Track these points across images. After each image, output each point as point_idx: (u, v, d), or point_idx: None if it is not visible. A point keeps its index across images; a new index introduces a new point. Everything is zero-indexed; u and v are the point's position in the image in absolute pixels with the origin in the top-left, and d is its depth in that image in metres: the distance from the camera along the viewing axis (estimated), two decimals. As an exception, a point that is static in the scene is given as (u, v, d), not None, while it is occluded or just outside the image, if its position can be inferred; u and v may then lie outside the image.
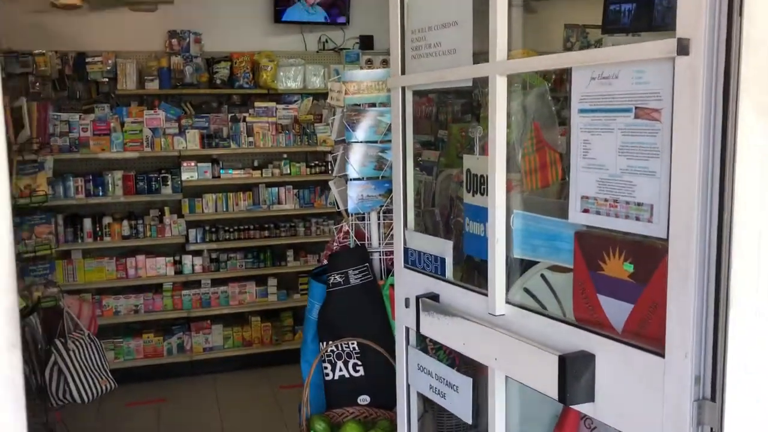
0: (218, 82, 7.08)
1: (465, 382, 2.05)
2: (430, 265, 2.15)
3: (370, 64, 8.05)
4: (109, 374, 3.82)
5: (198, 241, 5.74)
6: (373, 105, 3.03)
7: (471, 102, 2.60)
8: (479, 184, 1.97)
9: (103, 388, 3.72)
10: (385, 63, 7.85)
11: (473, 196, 2.01)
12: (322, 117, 6.23)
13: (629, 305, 1.49)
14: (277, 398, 5.13)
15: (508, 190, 1.81)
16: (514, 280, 1.88)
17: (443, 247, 2.10)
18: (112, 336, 5.58)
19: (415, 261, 2.23)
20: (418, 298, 2.13)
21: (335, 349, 2.91)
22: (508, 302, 1.83)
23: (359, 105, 3.04)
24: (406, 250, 2.28)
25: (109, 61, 5.95)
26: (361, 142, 3.00)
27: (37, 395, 3.60)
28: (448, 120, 3.09)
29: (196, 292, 5.75)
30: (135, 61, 6.00)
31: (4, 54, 5.87)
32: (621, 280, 1.50)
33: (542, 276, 1.89)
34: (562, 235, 1.66)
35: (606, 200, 1.50)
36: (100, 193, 5.52)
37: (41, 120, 3.78)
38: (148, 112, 5.71)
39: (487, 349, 1.84)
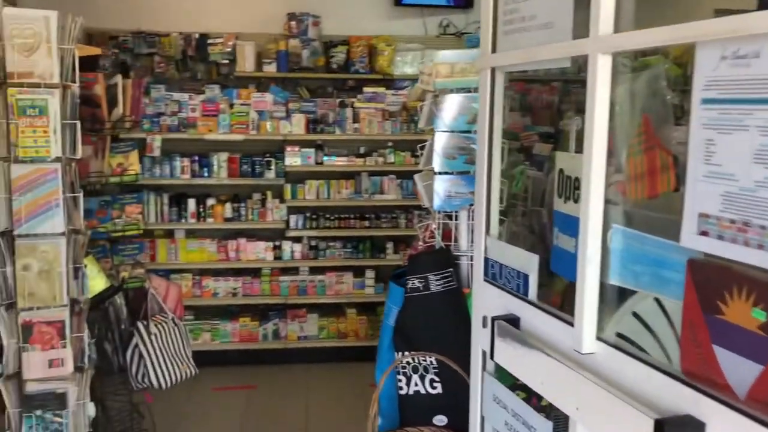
0: (334, 66, 6.93)
1: (544, 427, 1.70)
2: (512, 282, 1.81)
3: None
4: (191, 360, 3.74)
5: (298, 227, 5.63)
6: (468, 91, 2.69)
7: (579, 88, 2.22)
8: (573, 188, 1.61)
9: (184, 374, 3.64)
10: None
11: (565, 202, 1.65)
12: (433, 104, 5.91)
13: (758, 366, 1.10)
14: (365, 396, 4.91)
15: (607, 199, 1.44)
16: (610, 310, 1.51)
17: (527, 262, 1.76)
18: (210, 317, 5.59)
19: (496, 274, 1.89)
20: (494, 319, 1.80)
21: (411, 361, 2.63)
22: (599, 339, 1.47)
23: (452, 90, 2.71)
24: (486, 260, 1.95)
25: (230, 43, 5.95)
26: (450, 131, 2.68)
27: (119, 375, 3.57)
28: (567, 110, 2.71)
29: (294, 279, 5.64)
30: (254, 43, 5.96)
31: (133, 34, 6.01)
32: (748, 330, 1.11)
33: (656, 300, 1.50)
34: (670, 262, 1.29)
35: (733, 222, 1.11)
36: (205, 174, 5.51)
37: (135, 98, 3.72)
38: (256, 95, 5.63)
39: (568, 394, 1.49)
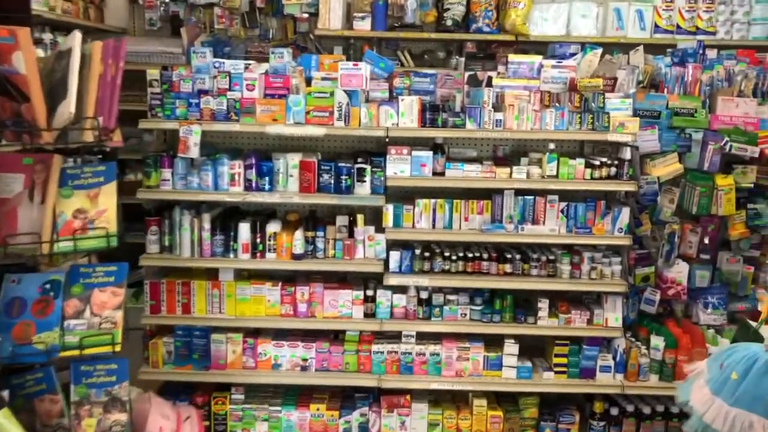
0: (449, 23, 5.06)
1: None
2: None
3: (669, 1, 5.47)
4: None
5: (402, 270, 3.67)
6: None
7: None
8: None
9: None
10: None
11: None
12: (615, 84, 3.79)
13: None
14: None
15: None
16: None
17: None
18: (268, 399, 3.75)
19: None
20: None
21: None
22: None
23: None
24: None
25: (311, -10, 4.13)
26: None
27: None
28: None
29: (394, 348, 3.71)
30: (343, -9, 4.08)
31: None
32: None
33: None
34: None
35: None
36: (266, 187, 3.62)
37: (106, 82, 1.83)
38: (345, 65, 3.66)
39: None
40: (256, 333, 3.77)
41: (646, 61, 4.02)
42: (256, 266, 3.69)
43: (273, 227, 3.66)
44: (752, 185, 3.79)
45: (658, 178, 3.73)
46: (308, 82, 3.70)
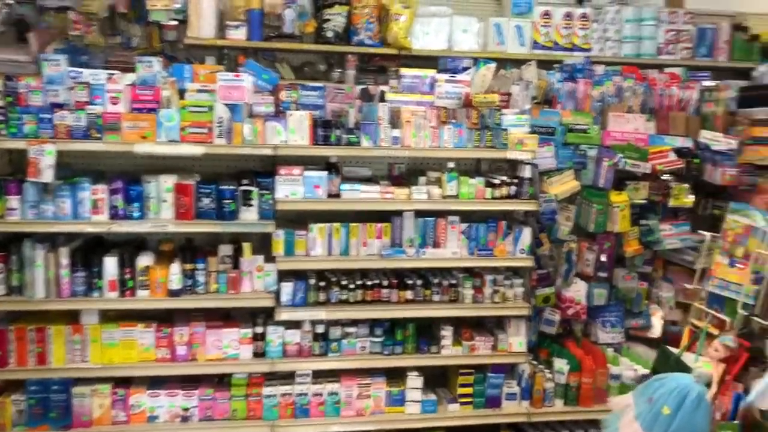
0: (330, 34, 4.85)
1: None
2: None
3: (547, 18, 5.49)
4: None
5: (296, 303, 3.33)
6: None
7: None
8: None
9: None
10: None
11: None
12: (510, 98, 3.68)
13: None
14: None
15: None
16: None
17: None
18: (143, 458, 3.27)
19: None
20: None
21: None
22: None
23: None
24: None
25: (180, -3, 3.77)
26: None
27: None
28: None
29: (288, 390, 3.35)
30: (216, -2, 3.74)
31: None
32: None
33: None
34: None
35: None
36: (136, 215, 3.16)
37: None
38: (225, 76, 3.29)
39: None
40: (127, 382, 3.27)
41: (539, 76, 3.94)
42: (125, 306, 3.20)
43: (145, 260, 3.20)
44: (645, 201, 3.79)
45: (556, 195, 3.64)
46: (181, 94, 3.29)
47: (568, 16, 5.44)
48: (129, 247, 3.28)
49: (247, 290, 3.30)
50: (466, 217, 3.48)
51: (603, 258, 3.78)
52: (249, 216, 3.27)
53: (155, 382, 3.29)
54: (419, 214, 3.42)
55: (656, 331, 3.90)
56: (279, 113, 3.38)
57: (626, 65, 4.39)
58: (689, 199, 3.85)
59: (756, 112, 3.89)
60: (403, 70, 3.72)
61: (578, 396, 3.60)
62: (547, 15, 5.42)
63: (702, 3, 5.86)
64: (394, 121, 3.43)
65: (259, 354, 3.33)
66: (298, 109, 3.41)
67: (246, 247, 3.30)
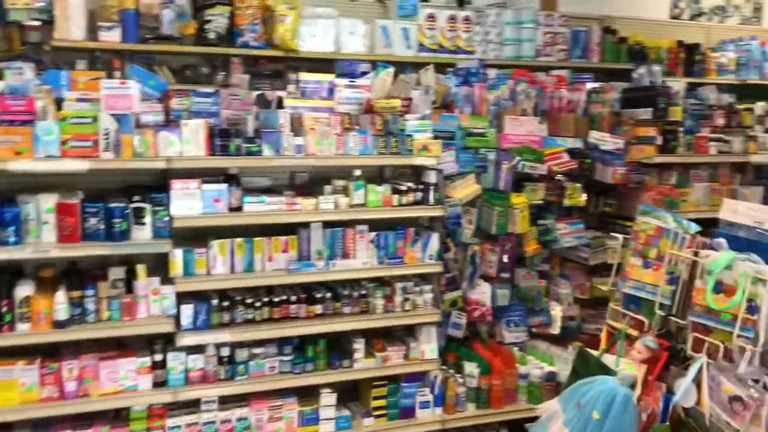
0: (212, 36, 4.63)
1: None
2: None
3: (432, 21, 5.53)
4: None
5: (198, 326, 3.10)
6: None
7: None
8: None
9: None
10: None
11: None
12: (411, 103, 3.64)
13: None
14: None
15: None
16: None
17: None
18: None
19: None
20: None
21: None
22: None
23: None
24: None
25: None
26: None
27: None
28: None
29: (193, 420, 3.11)
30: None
31: None
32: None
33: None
34: None
35: None
36: (12, 239, 2.80)
37: None
38: (110, 83, 3.00)
39: None
40: (7, 428, 2.91)
41: (437, 81, 3.92)
42: (3, 342, 2.84)
43: (24, 290, 2.85)
44: (542, 202, 3.87)
45: (460, 200, 3.64)
46: (58, 104, 2.97)
47: (452, 18, 5.50)
48: (4, 275, 2.91)
49: (144, 316, 3.03)
50: (374, 225, 3.39)
51: (505, 259, 3.82)
52: (142, 235, 3.00)
53: (40, 425, 2.94)
54: (327, 224, 3.29)
55: (556, 327, 4.00)
56: (170, 122, 3.13)
57: (516, 68, 4.48)
58: (582, 198, 3.97)
59: (639, 113, 4.09)
60: (302, 75, 3.57)
61: (489, 398, 3.61)
62: (431, 18, 5.45)
63: (574, 6, 6.13)
64: (296, 129, 3.27)
65: (159, 383, 3.07)
66: (191, 117, 3.17)
67: (140, 269, 3.02)
